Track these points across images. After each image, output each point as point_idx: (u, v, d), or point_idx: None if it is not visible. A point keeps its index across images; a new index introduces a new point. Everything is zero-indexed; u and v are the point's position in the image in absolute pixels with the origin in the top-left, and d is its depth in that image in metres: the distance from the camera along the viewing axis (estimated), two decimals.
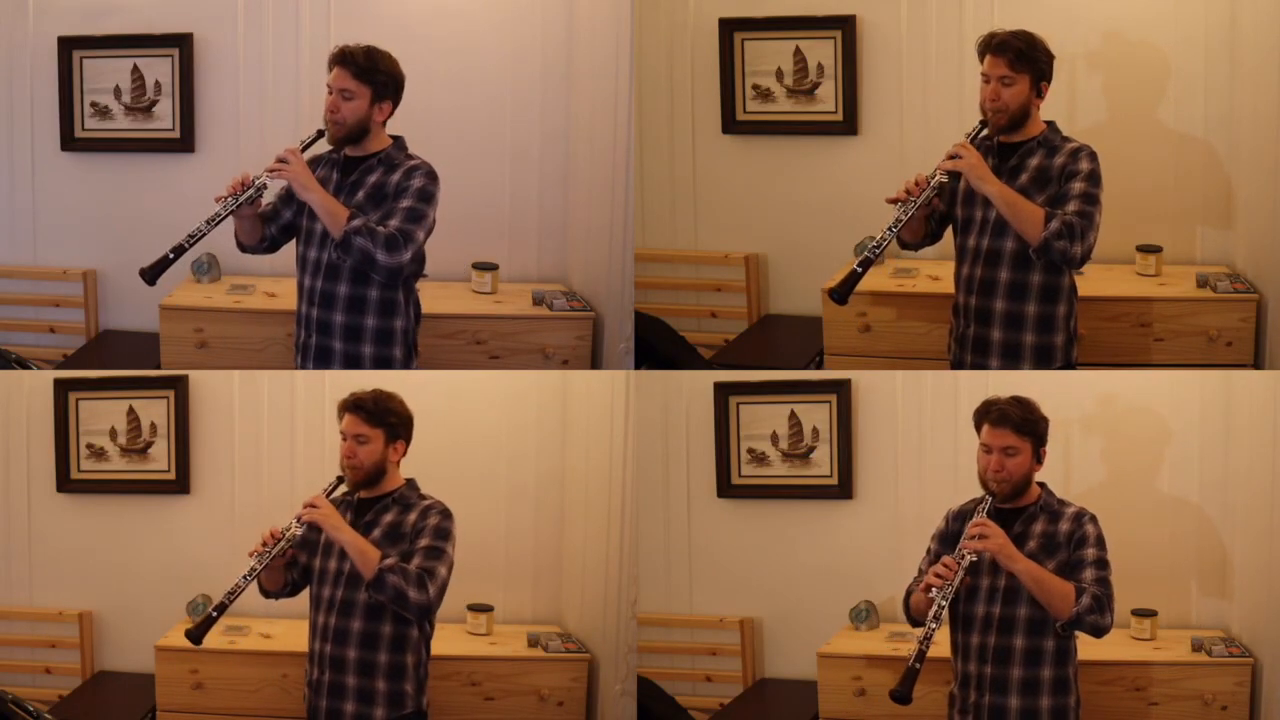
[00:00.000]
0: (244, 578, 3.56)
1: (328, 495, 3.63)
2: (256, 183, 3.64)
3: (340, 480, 3.65)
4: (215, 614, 3.57)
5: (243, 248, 3.85)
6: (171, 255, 3.63)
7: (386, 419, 3.59)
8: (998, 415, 3.47)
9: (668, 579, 4.80)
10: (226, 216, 3.65)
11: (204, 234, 3.64)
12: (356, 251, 3.57)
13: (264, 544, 3.58)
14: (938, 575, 3.41)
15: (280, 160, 3.60)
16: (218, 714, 4.31)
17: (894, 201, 3.60)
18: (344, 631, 3.56)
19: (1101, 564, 3.44)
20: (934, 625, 3.37)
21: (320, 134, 3.71)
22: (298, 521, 3.55)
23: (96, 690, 4.66)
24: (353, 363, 3.72)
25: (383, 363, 3.74)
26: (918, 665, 3.36)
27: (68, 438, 4.70)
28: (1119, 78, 4.44)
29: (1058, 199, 3.55)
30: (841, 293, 3.61)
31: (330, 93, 3.66)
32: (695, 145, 4.89)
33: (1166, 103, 4.42)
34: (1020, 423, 3.46)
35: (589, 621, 4.43)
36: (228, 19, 4.67)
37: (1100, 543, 3.47)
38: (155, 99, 4.71)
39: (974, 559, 3.41)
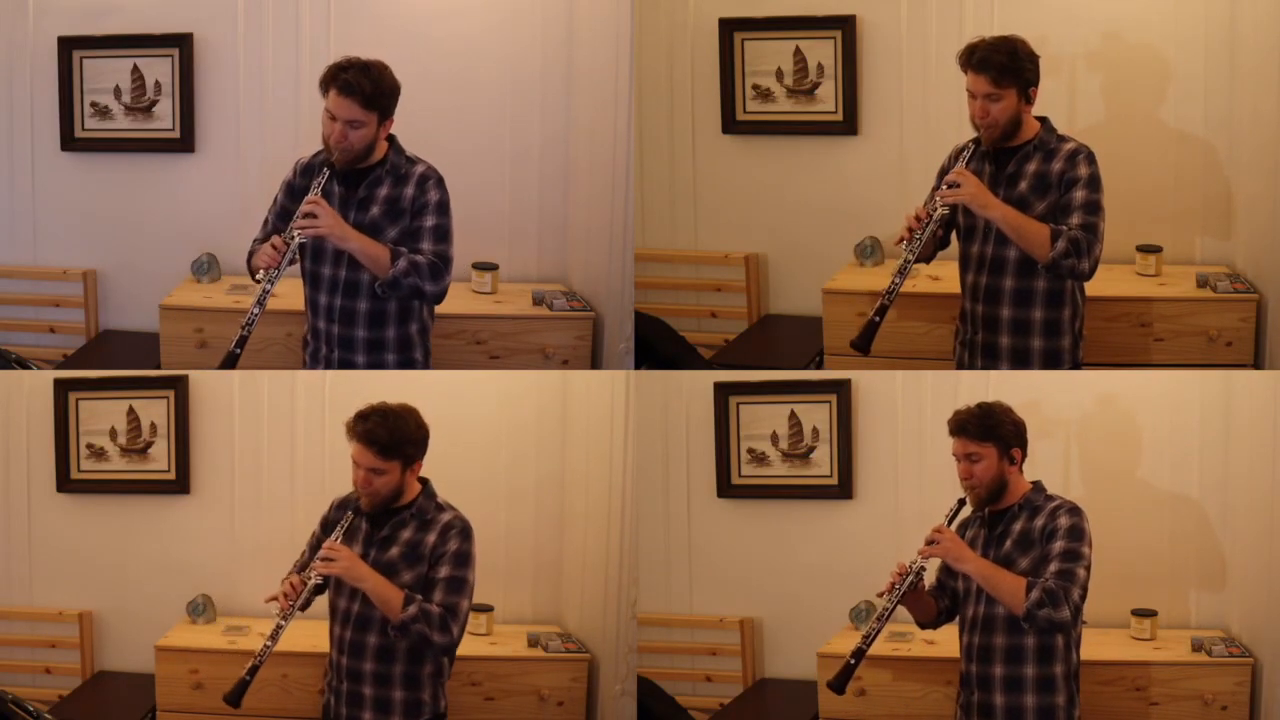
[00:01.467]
0: (272, 636, 3.48)
1: (346, 529, 3.53)
2: (292, 245, 3.55)
3: (357, 511, 3.55)
4: (249, 676, 3.51)
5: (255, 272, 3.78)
6: (237, 350, 3.58)
7: (403, 449, 3.47)
8: (955, 424, 3.52)
9: (668, 579, 4.80)
10: (273, 288, 3.58)
11: (257, 315, 3.58)
12: (406, 289, 3.56)
13: (285, 595, 3.47)
14: (891, 582, 3.55)
15: (308, 214, 3.52)
16: (218, 714, 4.30)
17: (900, 242, 3.61)
18: (360, 645, 3.54)
19: (1068, 556, 3.40)
20: (877, 625, 3.53)
21: (330, 167, 3.62)
22: (316, 575, 3.45)
23: (96, 690, 4.65)
24: None
25: (406, 368, 3.74)
26: (853, 661, 3.56)
27: (68, 438, 4.70)
28: (1119, 78, 4.44)
29: (1059, 208, 3.54)
30: (863, 343, 3.67)
31: (333, 119, 3.56)
32: (695, 145, 4.89)
33: (1166, 103, 4.42)
34: (978, 430, 3.48)
35: (589, 621, 4.44)
36: (228, 19, 4.66)
37: (1072, 533, 3.43)
38: (155, 99, 4.71)
39: (922, 565, 3.52)
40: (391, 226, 3.62)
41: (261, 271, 3.58)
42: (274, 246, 3.56)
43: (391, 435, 3.44)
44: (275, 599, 3.49)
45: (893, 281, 3.63)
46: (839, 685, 3.59)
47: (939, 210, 3.57)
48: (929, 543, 3.46)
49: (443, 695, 3.63)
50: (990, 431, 3.48)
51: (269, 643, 3.49)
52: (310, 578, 3.47)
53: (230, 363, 3.61)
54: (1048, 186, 3.58)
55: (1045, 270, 3.53)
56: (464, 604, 3.48)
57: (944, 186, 3.57)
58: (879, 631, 3.54)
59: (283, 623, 3.47)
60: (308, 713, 4.19)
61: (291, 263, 3.61)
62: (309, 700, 4.20)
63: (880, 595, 3.57)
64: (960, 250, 3.75)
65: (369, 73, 3.55)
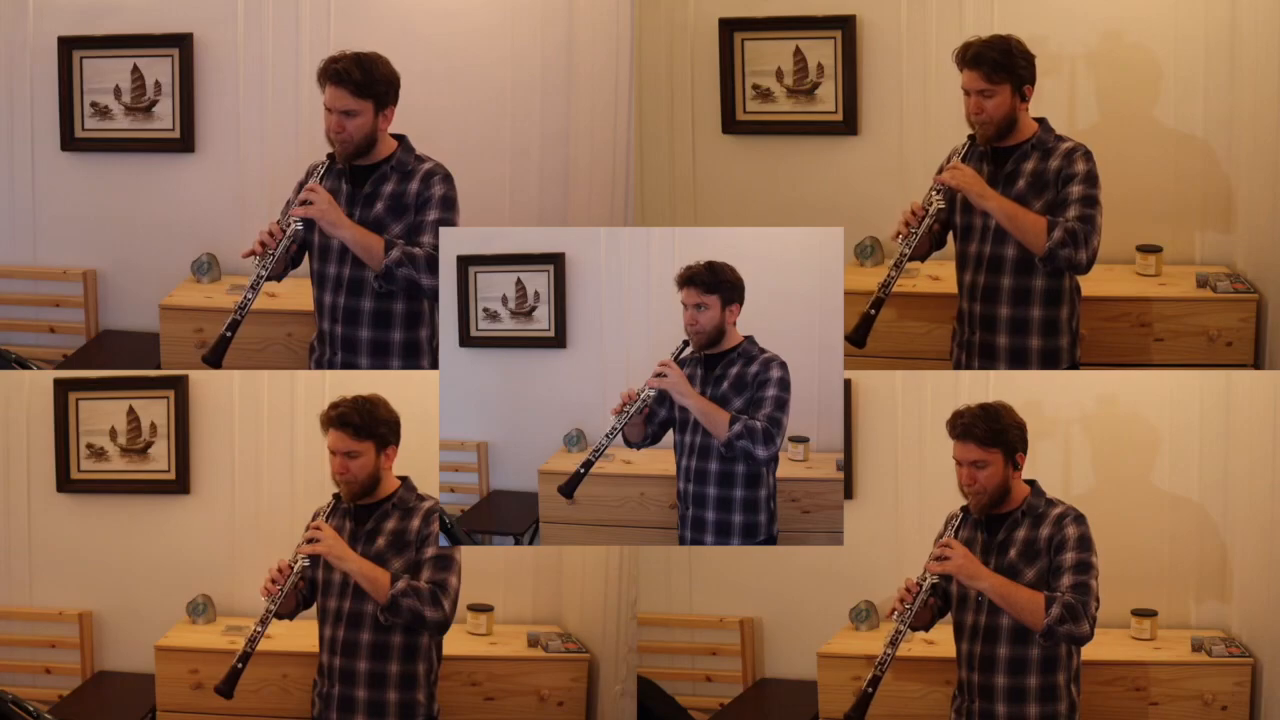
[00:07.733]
0: (261, 622, 3.51)
1: (328, 514, 3.58)
2: (288, 230, 3.57)
3: (337, 498, 3.60)
4: (240, 665, 3.53)
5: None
6: (228, 334, 3.59)
7: (376, 430, 3.51)
8: (962, 429, 3.40)
9: (667, 579, 4.79)
10: (270, 277, 3.59)
11: (252, 300, 3.59)
12: (400, 280, 3.54)
13: (273, 580, 3.51)
14: (900, 599, 3.44)
15: (304, 201, 3.53)
16: (218, 714, 4.31)
17: (897, 237, 3.59)
18: (353, 644, 3.54)
19: (1081, 568, 3.35)
20: (890, 651, 3.42)
21: (331, 158, 3.64)
22: (301, 556, 3.49)
23: (96, 690, 4.65)
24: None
25: None
26: (870, 690, 3.43)
27: (68, 438, 4.70)
28: (1118, 78, 4.44)
29: (1056, 204, 3.54)
30: (858, 337, 3.63)
31: (330, 112, 3.57)
32: (695, 145, 4.89)
33: (1166, 103, 4.42)
34: (985, 436, 3.38)
35: (589, 621, 4.43)
36: (228, 19, 4.67)
37: (1081, 544, 3.38)
38: (155, 99, 4.71)
39: (935, 580, 3.43)
40: (396, 223, 3.61)
41: (256, 257, 3.59)
42: (270, 232, 3.57)
43: (363, 416, 3.49)
44: (265, 590, 3.52)
45: (888, 275, 3.62)
46: (855, 717, 3.46)
47: (935, 201, 3.57)
48: (938, 558, 3.36)
49: (435, 697, 3.63)
50: (998, 437, 3.39)
51: (258, 628, 3.51)
52: (296, 559, 3.50)
53: (222, 346, 3.61)
54: (1045, 185, 3.57)
55: (1042, 262, 3.51)
56: (453, 581, 3.48)
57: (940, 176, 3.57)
58: (892, 657, 3.43)
59: (271, 606, 3.49)
60: (308, 713, 4.19)
61: (289, 250, 3.61)
62: (309, 700, 4.20)
63: (890, 616, 3.47)
64: (957, 250, 3.74)
65: (360, 62, 3.57)
